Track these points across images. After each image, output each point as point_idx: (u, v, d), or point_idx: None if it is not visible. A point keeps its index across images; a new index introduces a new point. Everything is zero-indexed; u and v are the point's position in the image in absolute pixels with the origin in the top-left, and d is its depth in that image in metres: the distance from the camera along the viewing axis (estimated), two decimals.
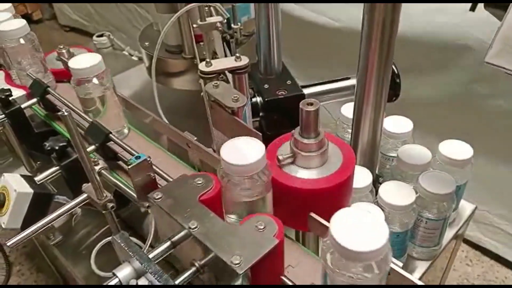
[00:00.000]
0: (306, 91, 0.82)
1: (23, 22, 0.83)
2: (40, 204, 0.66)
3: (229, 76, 0.67)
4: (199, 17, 0.76)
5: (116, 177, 0.67)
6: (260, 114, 0.80)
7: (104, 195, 0.58)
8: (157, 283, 0.42)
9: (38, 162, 0.88)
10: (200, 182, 0.48)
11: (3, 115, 0.77)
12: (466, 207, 0.81)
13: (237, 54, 0.65)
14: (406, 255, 0.72)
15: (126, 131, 0.80)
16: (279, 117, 0.79)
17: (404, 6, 0.54)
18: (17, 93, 0.84)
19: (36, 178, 0.66)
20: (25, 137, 0.81)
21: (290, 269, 0.53)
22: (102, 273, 0.72)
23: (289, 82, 0.83)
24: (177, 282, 0.44)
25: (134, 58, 1.32)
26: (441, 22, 1.15)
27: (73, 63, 0.72)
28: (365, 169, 0.66)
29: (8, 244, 0.55)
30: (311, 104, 0.48)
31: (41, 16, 3.08)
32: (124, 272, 0.44)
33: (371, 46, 0.57)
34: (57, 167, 0.68)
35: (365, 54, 0.58)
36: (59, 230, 0.80)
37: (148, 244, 0.63)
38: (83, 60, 0.72)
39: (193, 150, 0.68)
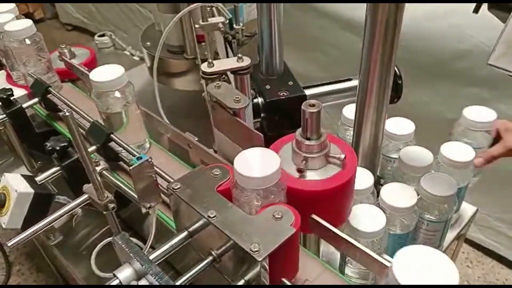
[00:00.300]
0: (307, 92, 0.82)
1: (29, 22, 0.82)
2: (40, 204, 0.66)
3: (231, 76, 0.67)
4: (201, 18, 0.76)
5: (117, 177, 0.67)
6: (262, 114, 0.80)
7: (105, 195, 0.58)
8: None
9: (39, 162, 0.88)
10: (217, 173, 0.49)
11: (4, 115, 0.77)
12: (467, 209, 0.81)
13: (239, 55, 0.65)
14: None
15: (147, 145, 0.75)
16: (280, 118, 0.79)
17: (406, 7, 0.54)
18: (18, 92, 0.84)
19: (37, 178, 0.66)
20: (26, 137, 0.81)
21: None
22: (102, 274, 0.72)
23: (290, 83, 0.83)
24: (194, 270, 0.45)
25: (136, 58, 1.32)
26: (443, 24, 1.15)
27: (95, 76, 0.66)
28: (366, 171, 0.65)
29: (8, 244, 0.55)
30: (313, 105, 0.48)
31: (42, 15, 3.09)
32: (124, 274, 0.44)
33: (373, 47, 0.57)
34: (58, 167, 0.68)
35: (367, 55, 0.58)
36: (59, 230, 0.80)
37: (149, 245, 0.63)
38: (105, 72, 0.67)
39: (194, 151, 0.68)
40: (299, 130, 0.50)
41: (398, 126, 0.74)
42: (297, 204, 0.49)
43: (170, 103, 0.99)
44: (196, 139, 0.68)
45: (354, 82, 0.84)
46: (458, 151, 0.70)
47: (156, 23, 1.09)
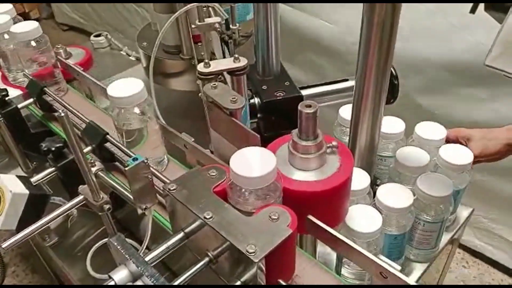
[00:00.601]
0: (304, 92, 0.82)
1: (35, 24, 0.80)
2: (36, 205, 0.66)
3: (228, 77, 0.67)
4: (198, 18, 0.76)
5: (112, 178, 0.66)
6: (258, 115, 0.80)
7: (101, 196, 0.58)
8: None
9: (34, 163, 0.87)
10: (213, 174, 0.49)
11: None
12: (463, 209, 0.81)
13: (236, 55, 0.65)
14: (404, 257, 0.72)
15: (166, 161, 0.72)
16: (277, 118, 0.79)
17: (403, 8, 0.54)
18: (13, 93, 0.84)
19: (32, 179, 0.65)
20: (21, 137, 0.81)
21: None
22: (98, 275, 0.72)
23: (287, 83, 0.83)
24: (191, 271, 0.45)
25: (132, 58, 1.31)
26: (440, 24, 1.16)
27: (112, 90, 0.62)
28: (362, 171, 0.66)
29: (3, 246, 0.55)
30: (310, 106, 0.48)
31: (38, 15, 3.08)
32: (120, 275, 0.44)
33: (370, 49, 0.57)
34: (53, 168, 0.67)
35: (364, 56, 0.58)
36: (54, 231, 0.80)
37: (145, 246, 0.63)
38: (123, 87, 0.62)
39: (190, 151, 0.68)
40: (296, 131, 0.50)
41: (389, 125, 0.74)
42: (294, 204, 0.49)
43: (166, 104, 0.98)
44: (193, 139, 0.67)
45: (351, 83, 0.84)
46: (456, 153, 0.70)
47: (152, 23, 1.08)
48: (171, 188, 0.48)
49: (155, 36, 0.87)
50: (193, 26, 0.82)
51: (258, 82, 0.84)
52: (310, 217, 0.50)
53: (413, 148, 0.73)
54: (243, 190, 0.46)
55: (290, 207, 0.49)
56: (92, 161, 0.65)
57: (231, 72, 0.65)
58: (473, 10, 0.48)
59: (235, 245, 0.41)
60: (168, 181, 0.59)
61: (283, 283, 0.47)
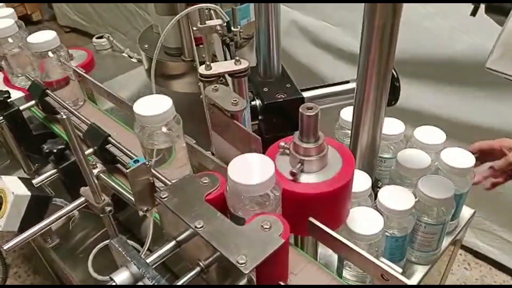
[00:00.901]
0: (305, 94, 0.82)
1: (53, 34, 0.79)
2: (37, 207, 0.66)
3: (229, 79, 0.67)
4: (199, 20, 0.76)
5: (114, 180, 0.67)
6: (259, 117, 0.80)
7: (102, 198, 0.58)
8: None
9: (36, 165, 0.87)
10: (206, 181, 0.48)
11: (1, 117, 0.77)
12: (465, 211, 0.81)
13: (237, 58, 0.65)
14: (405, 259, 0.71)
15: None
16: (278, 120, 0.79)
17: (404, 10, 0.54)
18: (15, 95, 0.84)
19: (34, 181, 0.65)
20: (23, 139, 0.81)
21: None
22: (99, 277, 0.72)
23: (288, 85, 0.83)
24: (180, 282, 0.44)
25: (134, 60, 1.32)
26: (441, 27, 1.16)
27: (139, 108, 0.58)
28: (364, 173, 0.65)
29: (5, 247, 0.55)
30: (311, 108, 0.48)
31: (40, 17, 3.09)
32: (121, 277, 0.44)
33: (371, 51, 0.57)
34: (55, 170, 0.67)
35: (364, 58, 0.58)
36: (56, 233, 0.80)
37: (146, 248, 0.63)
38: (150, 104, 0.59)
39: (191, 154, 0.68)
40: (297, 133, 0.50)
41: (389, 126, 0.74)
42: (295, 207, 0.50)
43: None
44: (194, 141, 0.68)
45: (352, 85, 0.84)
46: (458, 157, 0.69)
47: (154, 25, 1.08)
48: (163, 196, 0.47)
49: (157, 38, 0.87)
50: (194, 28, 0.83)
51: (259, 84, 0.84)
52: (311, 219, 0.50)
53: (414, 150, 0.73)
54: (242, 197, 0.45)
55: (291, 209, 0.49)
56: (93, 163, 0.65)
57: (232, 74, 0.65)
58: (473, 13, 0.48)
59: (226, 256, 0.41)
60: (169, 183, 0.60)
61: (283, 283, 0.47)
